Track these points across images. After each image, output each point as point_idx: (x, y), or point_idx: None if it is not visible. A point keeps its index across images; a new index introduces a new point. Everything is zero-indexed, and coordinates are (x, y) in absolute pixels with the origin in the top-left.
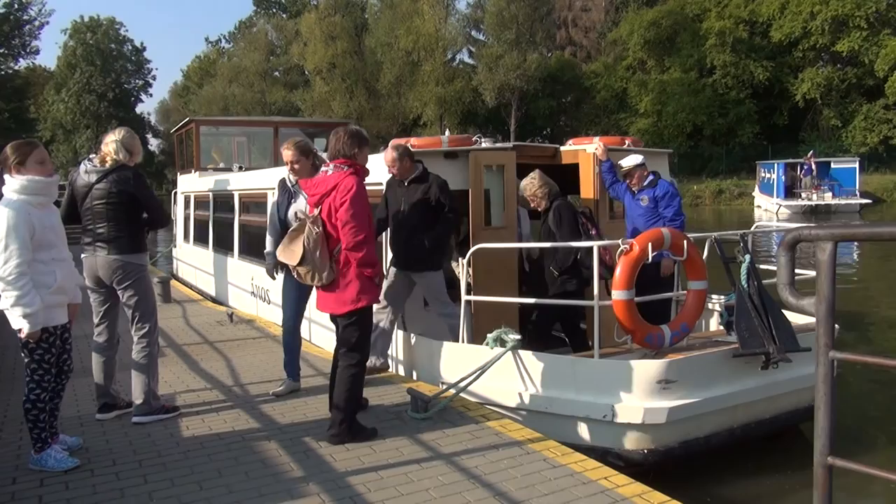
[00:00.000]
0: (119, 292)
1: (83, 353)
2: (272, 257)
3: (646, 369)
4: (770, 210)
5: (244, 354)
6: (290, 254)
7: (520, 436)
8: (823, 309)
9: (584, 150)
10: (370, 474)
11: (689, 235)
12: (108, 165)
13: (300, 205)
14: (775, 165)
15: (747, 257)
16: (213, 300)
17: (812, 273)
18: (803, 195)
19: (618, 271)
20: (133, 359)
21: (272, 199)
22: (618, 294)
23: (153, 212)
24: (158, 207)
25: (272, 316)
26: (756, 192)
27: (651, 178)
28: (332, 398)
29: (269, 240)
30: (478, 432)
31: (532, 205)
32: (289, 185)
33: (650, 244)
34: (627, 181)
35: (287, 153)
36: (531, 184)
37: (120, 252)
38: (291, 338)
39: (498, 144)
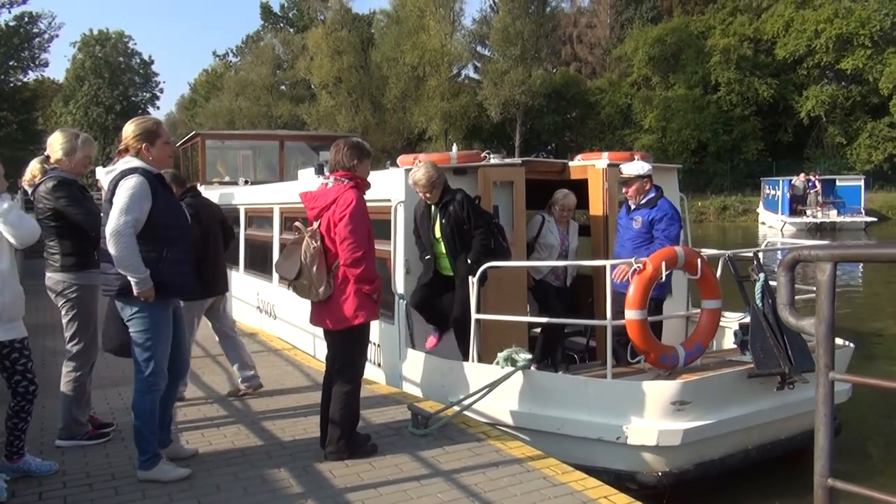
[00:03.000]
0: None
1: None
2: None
3: (660, 390)
4: (775, 227)
5: None
6: (287, 268)
7: (520, 453)
8: (823, 329)
9: (593, 166)
10: (369, 491)
11: (702, 253)
12: (36, 179)
13: None
14: (780, 182)
15: (762, 276)
16: None
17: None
18: (808, 212)
19: (631, 290)
20: (61, 382)
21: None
22: (631, 314)
23: (74, 220)
24: (77, 214)
25: (276, 330)
26: (761, 209)
27: (652, 195)
28: (323, 413)
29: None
30: (478, 449)
31: (425, 195)
32: None
33: (664, 263)
34: (625, 190)
35: None
36: (427, 172)
37: (54, 270)
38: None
39: (507, 160)
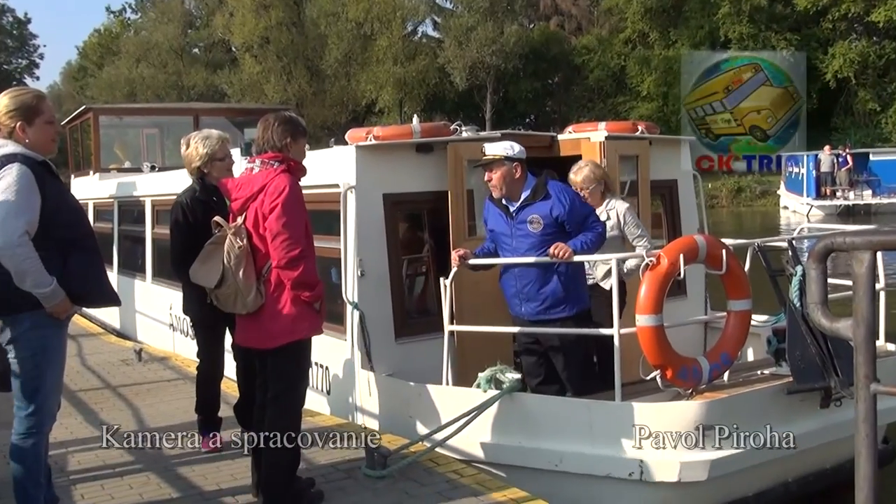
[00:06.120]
0: None
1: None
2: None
3: (681, 413)
4: (800, 211)
5: (156, 401)
6: (205, 273)
7: (502, 496)
8: (862, 332)
9: (588, 139)
10: None
11: (727, 243)
12: None
13: None
14: (804, 158)
15: (799, 269)
16: (118, 334)
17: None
18: (838, 193)
19: (643, 290)
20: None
21: None
22: (643, 319)
23: None
24: None
25: (193, 353)
26: (782, 191)
27: (533, 183)
28: (255, 454)
29: None
30: (450, 493)
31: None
32: None
33: (682, 256)
34: (487, 177)
35: None
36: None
37: None
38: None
39: (483, 133)
